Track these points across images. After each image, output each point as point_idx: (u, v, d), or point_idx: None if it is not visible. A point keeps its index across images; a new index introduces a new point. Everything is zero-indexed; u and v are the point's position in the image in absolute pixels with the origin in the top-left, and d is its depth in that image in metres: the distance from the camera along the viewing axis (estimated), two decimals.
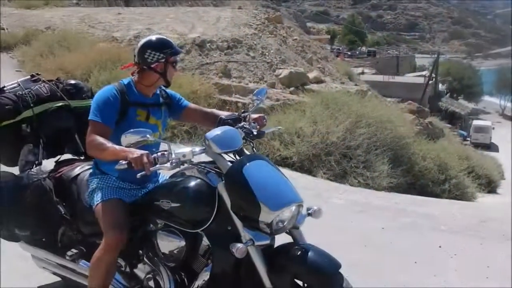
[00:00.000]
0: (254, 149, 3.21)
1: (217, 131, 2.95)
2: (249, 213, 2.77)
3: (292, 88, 13.68)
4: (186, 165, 2.94)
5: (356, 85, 18.53)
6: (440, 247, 5.80)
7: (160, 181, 3.47)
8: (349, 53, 71.94)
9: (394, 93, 34.12)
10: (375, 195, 9.34)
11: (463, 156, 17.72)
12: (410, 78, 57.55)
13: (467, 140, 44.25)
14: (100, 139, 3.07)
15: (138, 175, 2.77)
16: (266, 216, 2.74)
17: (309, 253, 2.75)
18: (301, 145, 10.77)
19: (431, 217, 7.62)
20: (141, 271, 3.29)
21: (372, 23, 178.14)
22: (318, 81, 14.95)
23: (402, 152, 12.19)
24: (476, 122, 53.19)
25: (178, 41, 14.29)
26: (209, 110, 3.74)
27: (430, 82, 48.99)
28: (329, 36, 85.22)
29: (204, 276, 2.95)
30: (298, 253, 2.77)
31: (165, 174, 3.40)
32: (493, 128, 52.81)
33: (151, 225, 3.22)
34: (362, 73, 45.83)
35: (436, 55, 55.89)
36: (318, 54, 21.03)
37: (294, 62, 15.95)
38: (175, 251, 3.06)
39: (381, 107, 13.78)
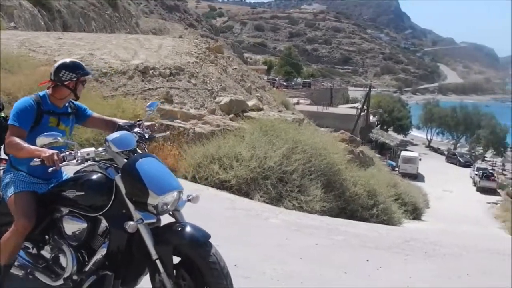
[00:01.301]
0: (145, 149, 3.95)
1: (115, 134, 3.65)
2: (140, 198, 3.48)
3: (232, 115, 14.14)
4: (89, 162, 3.65)
5: (293, 113, 19.22)
6: (367, 260, 6.35)
7: (64, 177, 4.09)
8: (285, 83, 73.38)
9: (328, 123, 35.14)
10: (309, 217, 9.88)
11: (391, 184, 18.65)
12: (343, 109, 59.27)
13: (396, 170, 45.94)
14: (18, 140, 3.68)
15: (50, 169, 3.48)
16: (153, 200, 3.47)
17: (186, 229, 3.47)
18: (239, 169, 11.18)
19: (360, 236, 8.23)
20: (47, 252, 3.87)
21: (307, 56, 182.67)
22: (257, 109, 15.49)
23: (334, 178, 12.78)
24: (404, 153, 55.25)
25: (121, 66, 14.54)
26: (109, 118, 4.38)
27: (362, 114, 50.65)
28: (266, 67, 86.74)
29: (102, 252, 3.59)
30: (178, 229, 3.48)
31: (68, 171, 4.04)
32: (420, 159, 54.94)
33: (57, 213, 3.82)
34: (298, 103, 46.92)
35: (368, 88, 57.88)
36: (256, 83, 21.70)
37: (234, 90, 16.48)
38: (77, 232, 3.69)
39: (316, 135, 14.37)
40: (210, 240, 3.53)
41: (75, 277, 3.69)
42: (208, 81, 15.60)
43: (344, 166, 13.72)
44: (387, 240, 8.26)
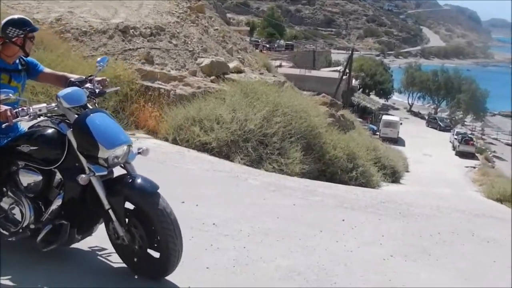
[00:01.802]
0: (96, 104, 4.09)
1: (67, 90, 3.80)
2: (91, 152, 3.68)
3: (213, 77, 14.14)
4: (42, 118, 3.85)
5: (274, 76, 19.24)
6: (343, 220, 6.55)
7: (20, 131, 4.19)
8: (267, 45, 72.91)
9: (310, 87, 35.33)
10: (288, 179, 10.07)
11: (371, 147, 18.90)
12: (325, 72, 59.15)
13: (377, 134, 46.34)
14: None
15: (3, 125, 3.63)
16: (103, 153, 3.67)
17: (136, 180, 3.73)
18: (220, 131, 11.29)
19: (337, 197, 8.43)
20: (5, 203, 4.00)
21: (291, 17, 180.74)
22: (238, 71, 15.49)
23: (314, 141, 12.97)
24: (385, 117, 55.66)
25: (101, 25, 14.39)
26: (61, 73, 4.46)
27: (344, 77, 50.70)
28: (248, 28, 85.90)
29: (57, 203, 3.77)
30: (129, 181, 3.73)
31: (24, 126, 4.19)
32: (401, 124, 55.46)
33: (14, 167, 3.97)
34: (280, 66, 46.81)
35: (350, 51, 57.77)
36: (238, 45, 21.59)
37: (215, 51, 16.43)
38: (33, 185, 3.86)
39: (297, 98, 14.48)
40: (159, 191, 3.75)
41: (32, 227, 3.85)
42: (189, 42, 15.52)
43: (324, 129, 13.90)
44: (363, 201, 8.46)
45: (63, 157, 3.73)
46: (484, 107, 72.95)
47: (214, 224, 5.47)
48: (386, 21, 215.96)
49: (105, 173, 3.76)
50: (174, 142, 11.24)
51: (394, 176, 21.64)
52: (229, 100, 12.31)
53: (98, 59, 4.39)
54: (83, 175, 3.60)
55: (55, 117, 3.87)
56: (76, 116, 3.75)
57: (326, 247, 5.34)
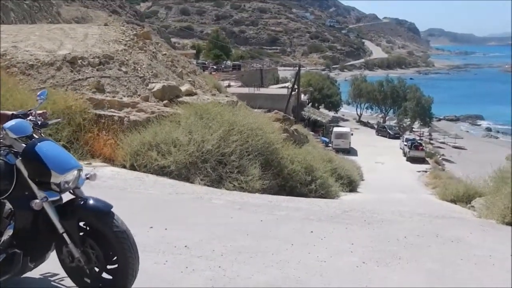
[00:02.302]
0: (42, 134, 4.10)
1: (12, 122, 3.83)
2: (43, 178, 3.75)
3: (165, 101, 14.07)
4: None
5: (227, 96, 19.30)
6: (311, 232, 6.60)
7: None
8: (215, 67, 73.17)
9: (260, 104, 35.23)
10: (251, 196, 10.08)
11: (326, 159, 19.17)
12: (274, 89, 59.77)
13: (329, 146, 46.99)
14: None
15: None
16: (55, 178, 3.76)
17: (88, 201, 3.83)
18: (178, 154, 11.21)
19: (302, 210, 8.50)
20: None
21: (235, 38, 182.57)
22: (190, 93, 15.45)
23: (272, 157, 13.03)
24: (336, 129, 56.54)
25: (47, 58, 14.16)
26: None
27: (293, 93, 51.23)
28: (194, 51, 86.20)
29: (8, 233, 3.76)
30: (81, 203, 3.83)
31: None
32: (352, 134, 56.47)
33: None
34: (229, 85, 46.97)
35: (297, 68, 58.50)
36: (187, 68, 21.58)
37: (165, 76, 16.37)
38: None
39: (251, 116, 14.53)
40: (113, 210, 3.84)
41: None
42: (139, 68, 15.41)
43: (280, 144, 13.96)
44: (328, 212, 8.55)
45: (12, 187, 3.74)
46: (429, 113, 75.04)
47: (186, 246, 5.42)
48: (329, 36, 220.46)
49: (58, 197, 3.84)
50: (132, 168, 11.10)
51: (351, 186, 21.98)
52: (184, 123, 12.25)
53: (38, 93, 4.47)
54: (37, 200, 3.66)
55: (1, 148, 3.87)
56: (24, 145, 3.81)
57: (299, 259, 5.37)
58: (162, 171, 11.07)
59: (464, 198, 19.00)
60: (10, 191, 3.74)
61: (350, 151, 50.49)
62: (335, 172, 19.00)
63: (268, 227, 6.74)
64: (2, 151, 3.85)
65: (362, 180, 30.38)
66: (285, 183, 13.22)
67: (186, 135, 11.75)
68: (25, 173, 3.75)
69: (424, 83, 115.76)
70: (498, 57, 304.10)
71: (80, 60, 14.43)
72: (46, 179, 3.75)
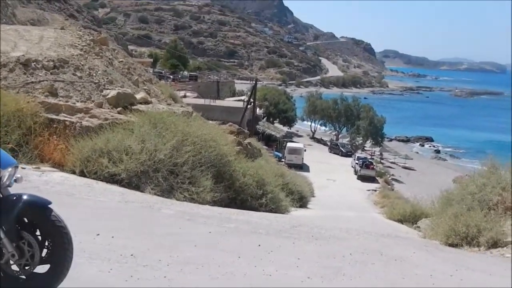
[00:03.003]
0: None
1: None
2: None
3: (120, 108, 13.93)
4: None
5: (182, 106, 19.25)
6: (259, 245, 6.65)
7: None
8: (171, 76, 72.85)
9: (216, 116, 35.54)
10: (201, 207, 10.08)
11: (278, 174, 19.27)
12: (230, 102, 59.95)
13: (282, 161, 47.27)
14: None
15: None
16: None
17: (25, 196, 3.86)
18: (129, 162, 11.10)
19: (251, 223, 8.55)
20: None
21: (193, 49, 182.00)
22: (145, 101, 15.33)
23: (224, 169, 13.06)
24: (290, 145, 56.98)
25: (0, 59, 13.85)
26: None
27: (249, 106, 51.49)
28: (151, 60, 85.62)
29: None
30: (18, 198, 3.85)
31: None
32: (305, 150, 56.96)
33: None
34: (185, 96, 46.85)
35: (254, 81, 58.84)
36: (143, 76, 21.43)
37: (121, 83, 16.20)
38: None
39: (205, 127, 14.54)
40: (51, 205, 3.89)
41: None
42: (94, 74, 15.20)
43: (233, 157, 14.00)
44: (277, 226, 8.64)
45: None
46: (381, 132, 76.42)
47: (132, 255, 5.39)
48: (287, 52, 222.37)
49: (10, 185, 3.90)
50: (82, 174, 10.94)
51: (301, 201, 22.19)
52: (137, 131, 12.15)
53: None
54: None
55: None
56: None
57: (245, 272, 5.41)
58: (112, 179, 10.95)
59: (411, 218, 19.46)
60: None
61: (303, 167, 50.95)
62: (287, 187, 19.16)
63: (216, 239, 6.76)
64: None
65: (313, 196, 30.68)
66: (236, 195, 13.26)
67: (138, 143, 11.65)
68: None
69: (378, 103, 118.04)
70: (449, 81, 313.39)
71: (34, 63, 14.15)
72: None
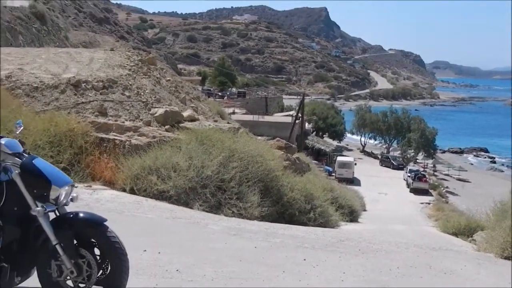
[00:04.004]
0: (30, 153, 4.20)
1: (5, 139, 4.01)
2: (42, 191, 3.89)
3: (167, 126, 14.17)
4: None
5: (228, 123, 19.41)
6: (304, 260, 6.61)
7: None
8: (220, 93, 73.62)
9: (264, 132, 35.71)
10: (248, 223, 10.10)
11: (327, 188, 19.11)
12: (278, 117, 59.91)
13: (332, 175, 46.89)
14: None
15: None
16: (54, 192, 3.91)
17: (81, 214, 4.00)
18: (177, 179, 11.26)
19: (297, 238, 8.51)
20: None
21: (241, 66, 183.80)
22: (192, 119, 15.55)
23: (272, 184, 13.05)
24: (340, 159, 56.49)
25: (52, 81, 14.33)
26: None
27: (297, 121, 51.44)
28: (200, 78, 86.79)
29: None
30: (75, 215, 3.98)
31: None
32: (356, 164, 56.36)
33: None
34: (233, 113, 47.21)
35: (302, 96, 58.82)
36: (191, 94, 21.72)
37: (168, 101, 16.49)
38: None
39: (252, 143, 14.62)
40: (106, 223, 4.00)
41: None
42: (142, 93, 15.53)
43: (281, 172, 13.99)
44: (323, 240, 8.57)
45: (2, 203, 3.82)
46: (433, 144, 74.83)
47: (177, 270, 5.45)
48: (335, 66, 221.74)
49: (54, 209, 3.99)
50: (132, 192, 11.15)
51: (352, 215, 21.93)
52: (184, 148, 12.33)
53: (16, 122, 4.46)
54: (38, 208, 3.80)
55: None
56: (21, 160, 3.94)
57: (288, 286, 5.39)
58: (161, 196, 11.12)
59: (466, 231, 18.93)
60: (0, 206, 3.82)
61: (354, 181, 50.40)
62: (336, 202, 18.98)
63: (261, 254, 6.76)
64: None
65: (365, 210, 30.29)
66: (285, 210, 13.21)
67: (186, 160, 11.80)
68: (21, 186, 3.84)
69: (429, 115, 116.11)
70: (502, 90, 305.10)
71: (84, 84, 14.58)
72: (45, 192, 3.89)
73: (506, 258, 9.08)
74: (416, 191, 49.29)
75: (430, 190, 50.86)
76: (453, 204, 43.08)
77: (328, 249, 7.63)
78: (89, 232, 3.97)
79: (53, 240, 3.84)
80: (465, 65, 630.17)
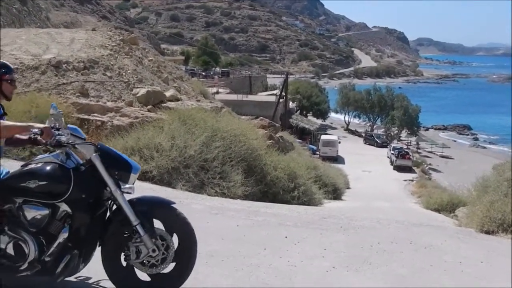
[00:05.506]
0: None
1: (73, 127, 4.05)
2: (123, 174, 3.95)
3: (149, 106, 14.13)
4: (41, 156, 4.04)
5: (211, 102, 19.39)
6: (286, 237, 6.68)
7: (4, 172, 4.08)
8: (203, 73, 73.27)
9: (248, 111, 35.60)
10: (231, 202, 10.14)
11: (311, 167, 19.21)
12: (262, 96, 59.97)
13: (317, 154, 47.13)
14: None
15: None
16: (134, 175, 4.05)
17: (151, 197, 4.29)
18: (160, 159, 11.25)
19: (280, 216, 8.57)
20: (1, 242, 3.87)
21: (225, 45, 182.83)
22: (175, 99, 15.53)
23: (255, 163, 13.07)
24: (324, 137, 56.70)
25: (32, 62, 14.19)
26: None
27: (281, 100, 51.46)
28: (183, 57, 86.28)
29: (63, 236, 3.82)
30: (147, 198, 4.17)
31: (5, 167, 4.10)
32: (340, 142, 56.67)
33: (10, 205, 3.87)
34: (217, 92, 47.08)
35: (285, 75, 58.74)
36: (174, 74, 21.65)
37: (150, 81, 16.43)
38: (38, 219, 3.83)
39: (235, 122, 14.62)
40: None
41: (39, 261, 3.80)
42: (124, 73, 15.46)
43: (264, 151, 14.01)
44: (305, 218, 8.63)
45: (70, 190, 3.78)
46: (417, 122, 75.37)
47: None
48: (319, 44, 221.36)
49: (131, 192, 4.00)
50: None
51: (335, 193, 22.11)
52: (167, 128, 12.30)
53: (51, 107, 4.28)
54: (128, 185, 3.93)
55: (58, 153, 3.92)
56: (93, 145, 3.97)
57: (270, 263, 5.45)
58: (144, 176, 11.08)
59: (448, 207, 19.19)
60: (68, 194, 3.79)
61: (338, 159, 50.71)
62: (320, 180, 19.08)
63: (243, 232, 6.81)
64: (60, 156, 3.91)
65: (348, 188, 30.53)
66: (268, 189, 13.25)
67: (169, 140, 11.79)
68: (100, 168, 3.85)
69: (413, 92, 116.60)
70: (486, 67, 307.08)
71: (65, 65, 14.48)
72: (127, 173, 3.97)
73: (486, 232, 9.21)
74: (399, 169, 49.74)
75: (414, 167, 51.34)
76: (436, 181, 43.51)
77: (310, 226, 7.69)
78: (164, 212, 4.06)
79: (134, 220, 3.87)
80: (448, 42, 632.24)
